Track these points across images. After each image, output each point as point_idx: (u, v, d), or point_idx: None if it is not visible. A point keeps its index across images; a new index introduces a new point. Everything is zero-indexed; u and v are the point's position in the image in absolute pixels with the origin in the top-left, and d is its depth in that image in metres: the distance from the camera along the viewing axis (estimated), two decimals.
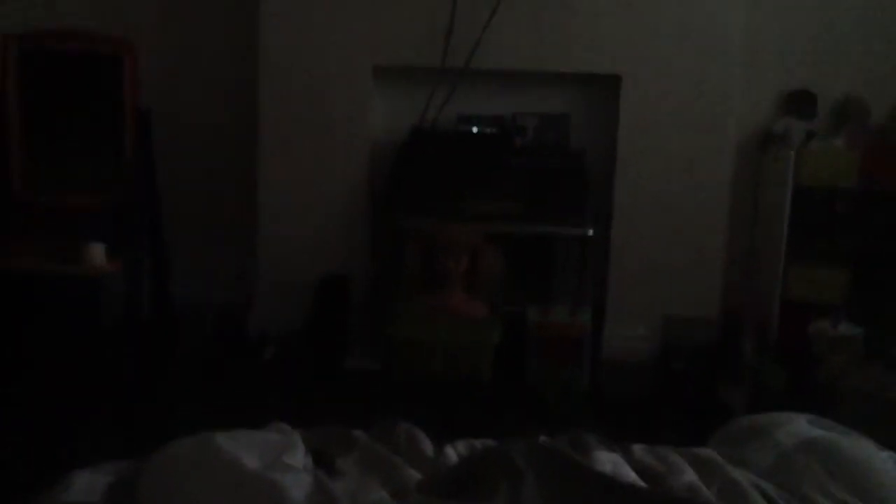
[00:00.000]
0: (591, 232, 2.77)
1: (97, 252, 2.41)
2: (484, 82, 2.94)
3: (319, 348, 2.74)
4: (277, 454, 1.15)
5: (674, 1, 2.83)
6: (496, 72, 2.90)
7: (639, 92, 2.87)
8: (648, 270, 2.92)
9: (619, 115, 2.89)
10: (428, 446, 1.31)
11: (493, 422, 2.05)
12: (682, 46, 2.84)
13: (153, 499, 1.05)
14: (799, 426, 1.34)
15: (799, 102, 3.05)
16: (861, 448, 1.26)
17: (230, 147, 3.16)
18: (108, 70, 2.64)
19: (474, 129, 2.88)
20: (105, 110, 2.65)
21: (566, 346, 2.55)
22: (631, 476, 1.20)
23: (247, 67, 2.98)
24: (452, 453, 1.31)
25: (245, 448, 1.12)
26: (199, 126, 3.19)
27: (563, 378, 2.43)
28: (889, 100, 3.05)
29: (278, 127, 2.92)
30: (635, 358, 2.89)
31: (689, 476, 1.21)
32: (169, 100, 3.08)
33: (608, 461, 1.22)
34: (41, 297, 2.77)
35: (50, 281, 2.70)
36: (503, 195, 2.80)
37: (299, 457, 1.19)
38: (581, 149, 2.93)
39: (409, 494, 1.09)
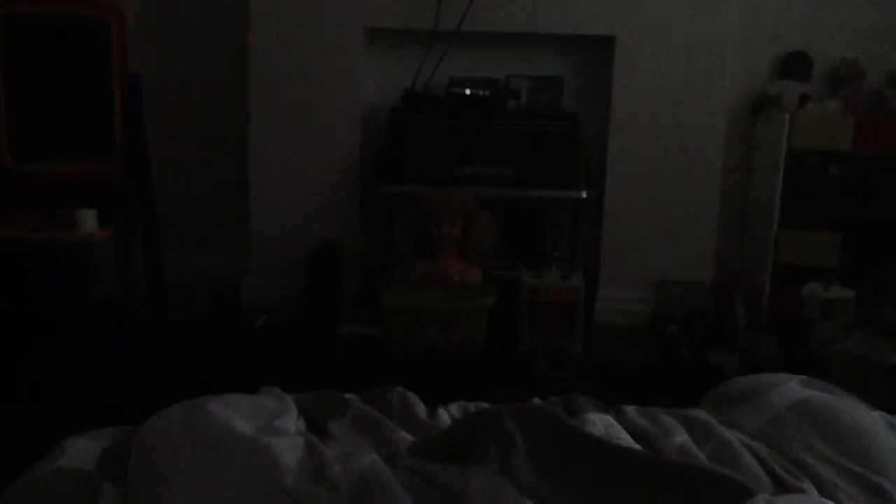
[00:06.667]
0: (584, 195, 2.76)
1: (88, 217, 2.38)
2: (477, 45, 2.89)
3: (313, 315, 2.74)
4: (270, 418, 1.15)
5: None
6: (489, 34, 2.86)
7: (633, 54, 2.83)
8: (642, 234, 2.91)
9: (613, 78, 2.86)
10: (421, 409, 1.31)
11: (487, 387, 2.05)
12: (677, 7, 2.80)
13: (145, 464, 1.05)
14: (791, 387, 1.35)
15: (794, 65, 3.02)
16: (852, 409, 1.27)
17: (221, 115, 3.12)
18: (95, 35, 2.58)
19: (467, 92, 2.85)
20: (93, 77, 2.59)
21: (559, 311, 2.55)
22: (623, 437, 1.21)
23: (236, 33, 2.93)
24: (446, 416, 1.31)
25: (237, 413, 1.12)
26: (189, 93, 3.14)
27: (556, 342, 2.44)
28: (885, 63, 3.02)
29: (269, 92, 2.88)
30: (628, 322, 2.91)
31: (682, 437, 1.22)
32: (157, 66, 3.03)
33: (600, 423, 1.23)
34: (31, 268, 2.75)
35: (40, 250, 2.68)
36: (496, 159, 2.77)
37: (292, 421, 1.19)
38: (574, 111, 2.90)
39: (401, 457, 1.10)
